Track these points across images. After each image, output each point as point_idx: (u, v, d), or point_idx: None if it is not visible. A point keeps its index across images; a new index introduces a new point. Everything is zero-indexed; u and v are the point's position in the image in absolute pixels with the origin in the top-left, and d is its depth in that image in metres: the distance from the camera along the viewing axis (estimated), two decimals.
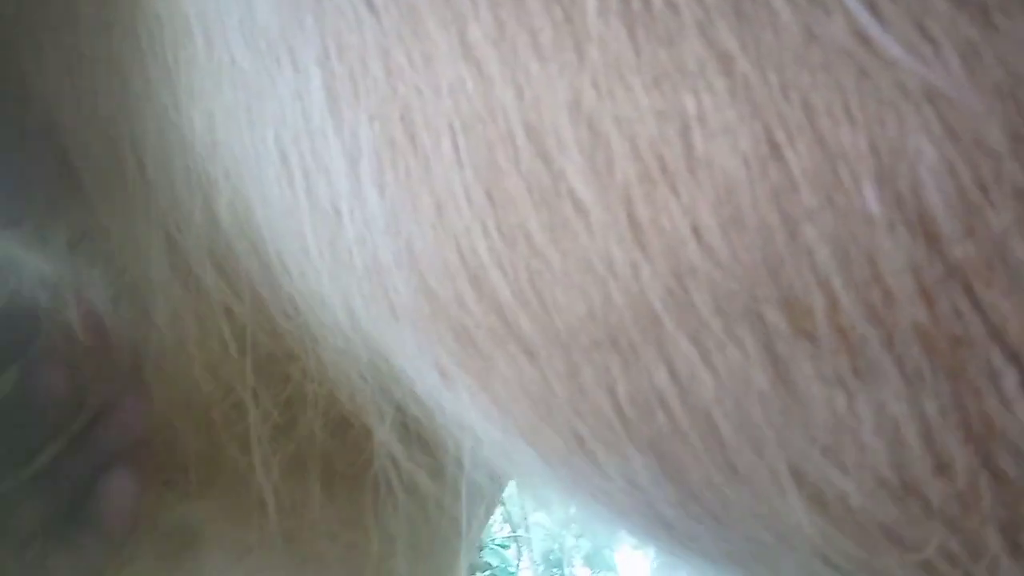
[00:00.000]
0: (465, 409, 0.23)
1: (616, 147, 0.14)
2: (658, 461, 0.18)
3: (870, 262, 0.12)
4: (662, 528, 0.22)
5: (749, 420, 0.15)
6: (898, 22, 0.11)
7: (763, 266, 0.13)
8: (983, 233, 0.11)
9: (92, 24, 0.24)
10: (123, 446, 0.32)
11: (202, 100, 0.22)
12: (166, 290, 0.28)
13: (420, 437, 0.31)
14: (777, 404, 0.15)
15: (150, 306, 0.30)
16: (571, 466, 0.21)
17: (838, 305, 0.13)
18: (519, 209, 0.16)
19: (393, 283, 0.21)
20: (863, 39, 0.11)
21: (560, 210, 0.16)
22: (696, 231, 0.14)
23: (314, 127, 0.19)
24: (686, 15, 0.12)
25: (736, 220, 0.13)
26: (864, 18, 0.11)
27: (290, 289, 0.26)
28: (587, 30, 0.13)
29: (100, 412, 0.32)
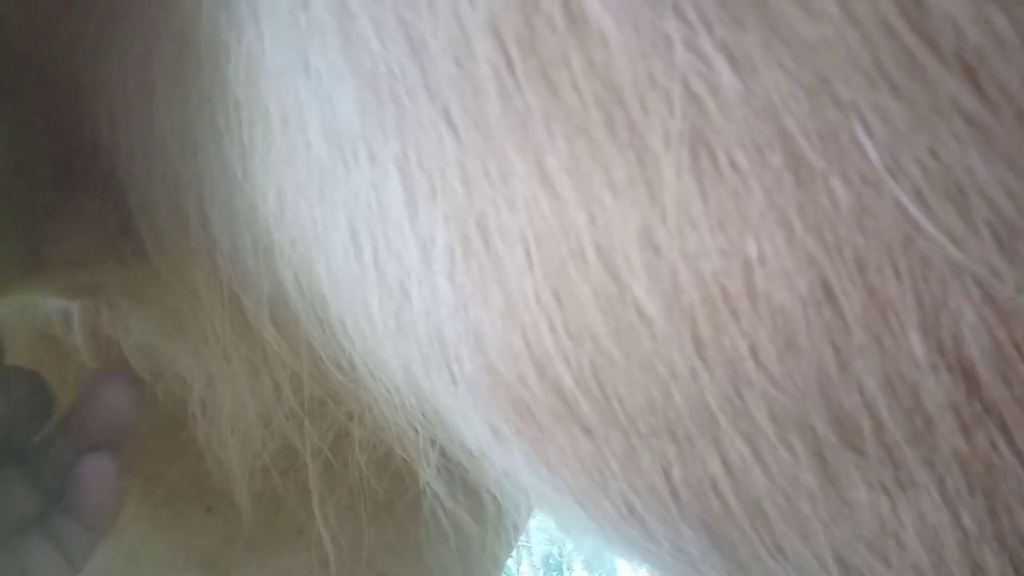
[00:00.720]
0: (515, 465, 0.25)
1: (682, 274, 0.16)
2: (708, 536, 0.20)
3: (914, 395, 0.14)
4: None
5: (798, 512, 0.17)
6: (942, 209, 0.12)
7: (815, 388, 0.15)
8: (1017, 380, 0.13)
9: (167, 96, 0.26)
10: (111, 432, 0.31)
11: (273, 174, 0.24)
12: (221, 340, 0.30)
13: (463, 480, 0.32)
14: (825, 502, 0.16)
15: (202, 352, 0.32)
16: (620, 530, 0.23)
17: (884, 427, 0.14)
18: (586, 313, 0.18)
19: (456, 356, 0.22)
20: (910, 216, 0.13)
21: (625, 318, 0.17)
22: (754, 352, 0.15)
23: (388, 216, 0.21)
24: (751, 178, 0.14)
25: (791, 347, 0.15)
26: (912, 207, 0.12)
27: (348, 348, 0.27)
28: (659, 175, 0.15)
29: (85, 395, 0.31)
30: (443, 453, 0.31)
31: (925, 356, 0.13)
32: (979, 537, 0.14)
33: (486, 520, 0.36)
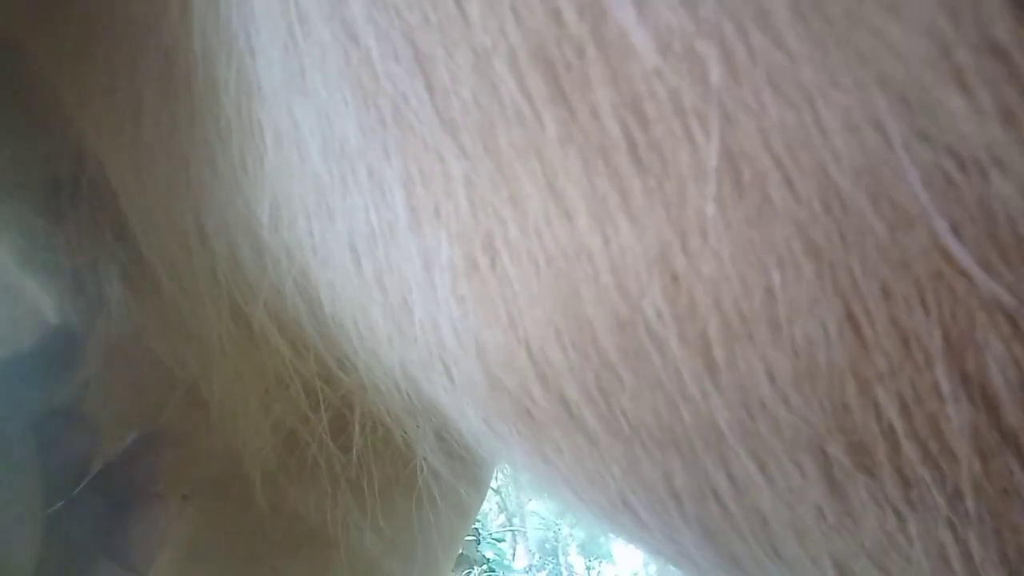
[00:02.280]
0: (511, 455, 0.24)
1: (699, 299, 0.14)
2: (704, 534, 0.19)
3: (933, 422, 0.13)
4: (690, 566, 0.23)
5: (800, 522, 0.16)
6: (976, 241, 0.11)
7: (831, 414, 0.14)
8: None
9: (156, 110, 0.23)
10: (147, 483, 0.31)
11: (267, 188, 0.22)
12: (227, 342, 0.28)
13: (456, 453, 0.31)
14: (830, 515, 0.15)
15: (208, 352, 0.30)
16: (613, 518, 0.22)
17: (900, 451, 0.14)
18: (596, 332, 0.17)
19: (456, 363, 0.21)
20: (943, 250, 0.12)
21: (636, 339, 0.16)
22: (771, 376, 0.14)
23: (389, 232, 0.19)
24: (780, 208, 0.13)
25: (810, 374, 0.14)
26: (947, 236, 0.11)
27: (349, 351, 0.26)
28: (681, 198, 0.14)
29: (125, 451, 0.31)
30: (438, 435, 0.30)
31: (949, 386, 0.13)
32: (984, 555, 0.14)
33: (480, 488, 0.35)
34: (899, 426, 0.13)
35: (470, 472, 0.41)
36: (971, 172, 0.11)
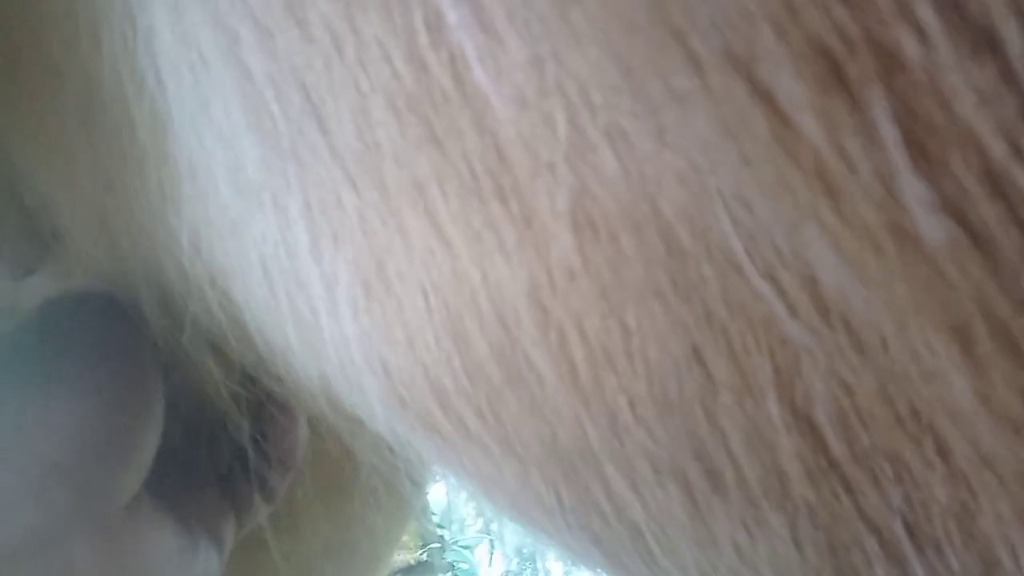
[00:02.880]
0: (424, 452, 0.24)
1: (567, 332, 0.15)
2: (592, 541, 0.20)
3: (771, 451, 0.14)
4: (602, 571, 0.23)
5: (670, 537, 0.17)
6: (797, 297, 0.12)
7: (687, 442, 0.15)
8: (857, 441, 0.13)
9: (77, 135, 0.23)
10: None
11: (186, 214, 0.22)
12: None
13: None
14: (693, 532, 0.16)
15: None
16: (525, 525, 0.23)
17: (745, 477, 0.14)
18: (481, 358, 0.17)
19: (365, 378, 0.21)
20: (764, 297, 0.12)
21: (516, 366, 0.16)
22: (632, 405, 0.15)
23: (294, 256, 0.20)
24: (630, 252, 0.13)
25: (666, 405, 0.14)
26: (761, 286, 0.12)
27: (270, 360, 0.26)
28: (546, 242, 0.14)
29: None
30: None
31: (780, 418, 0.13)
32: (819, 569, 0.14)
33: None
34: (743, 454, 0.14)
35: (407, 471, 0.42)
36: (785, 229, 0.11)
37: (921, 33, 0.07)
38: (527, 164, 0.13)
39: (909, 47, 0.08)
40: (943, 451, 0.12)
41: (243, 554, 0.37)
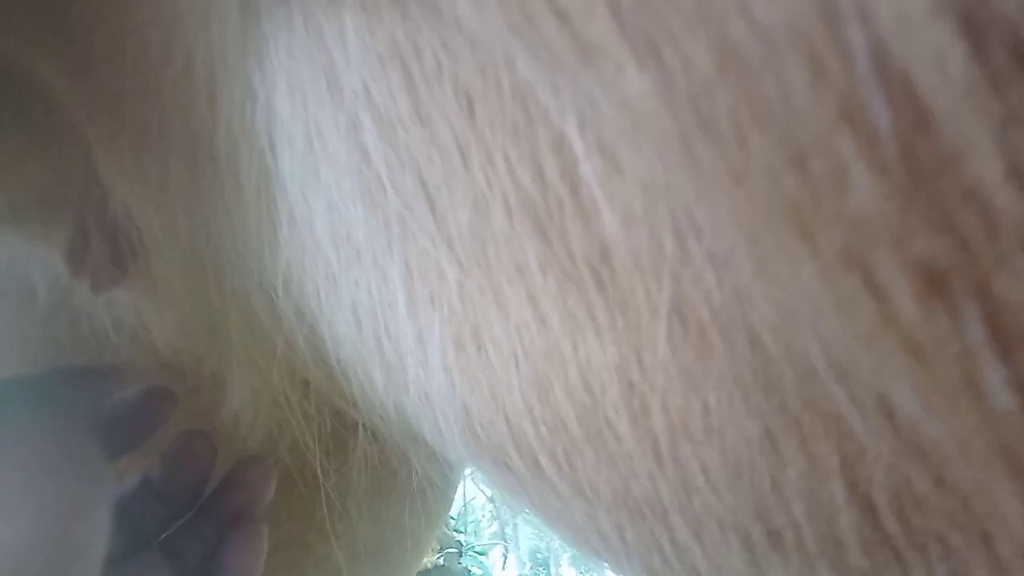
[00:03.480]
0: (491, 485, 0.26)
1: (650, 405, 0.17)
2: (647, 572, 0.22)
3: (830, 521, 0.16)
4: None
5: None
6: (859, 396, 0.14)
7: (753, 506, 0.16)
8: (910, 522, 0.15)
9: (181, 180, 0.25)
10: (250, 507, 0.32)
11: (281, 257, 0.24)
12: (242, 370, 0.30)
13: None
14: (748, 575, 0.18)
15: (226, 376, 0.31)
16: (578, 547, 0.25)
17: (804, 540, 0.16)
18: (564, 415, 0.19)
19: (444, 416, 0.23)
20: (837, 401, 0.14)
21: (597, 426, 0.18)
22: (704, 470, 0.17)
23: (388, 307, 0.21)
24: (718, 349, 0.15)
25: (736, 474, 0.16)
26: (839, 395, 0.14)
27: (350, 391, 0.28)
28: (639, 330, 0.16)
29: (230, 476, 0.32)
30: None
31: (843, 496, 0.15)
32: None
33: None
34: (804, 522, 0.16)
35: (445, 478, 0.44)
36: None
37: (1012, 268, 0.09)
38: (629, 265, 0.15)
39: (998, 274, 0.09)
40: (987, 539, 0.14)
41: (276, 557, 0.39)
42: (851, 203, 0.10)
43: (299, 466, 0.39)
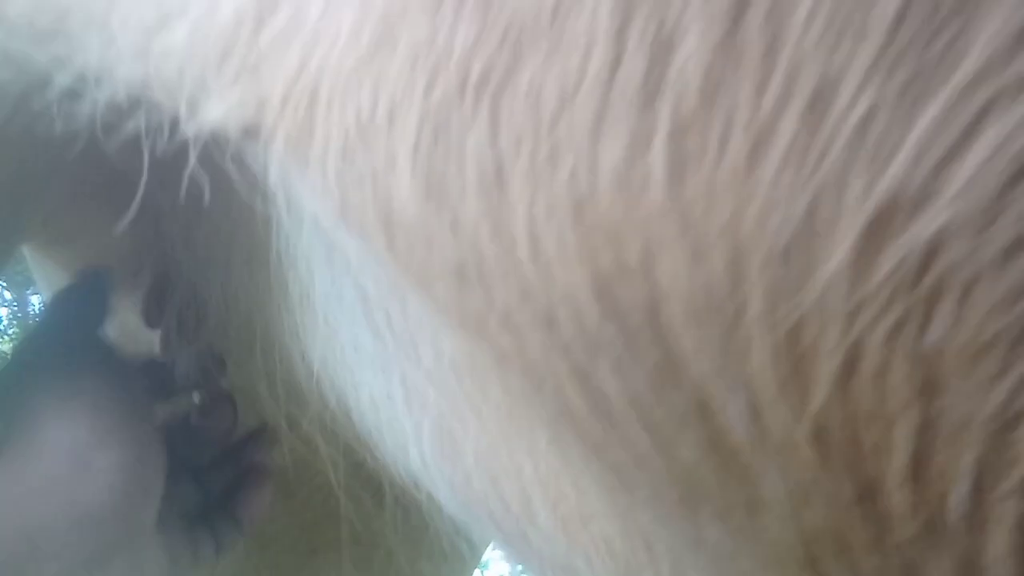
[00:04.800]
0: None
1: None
2: None
3: None
4: None
5: None
6: None
7: None
8: None
9: (239, 273, 0.31)
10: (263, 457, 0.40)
11: (317, 348, 0.29)
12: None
13: None
14: None
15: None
16: None
17: None
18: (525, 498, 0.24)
19: (435, 483, 0.28)
20: None
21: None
22: None
23: (390, 400, 0.27)
24: None
25: None
26: None
27: (372, 447, 0.33)
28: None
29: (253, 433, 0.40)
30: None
31: None
32: None
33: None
34: None
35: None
36: None
37: None
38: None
39: None
40: None
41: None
42: None
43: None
